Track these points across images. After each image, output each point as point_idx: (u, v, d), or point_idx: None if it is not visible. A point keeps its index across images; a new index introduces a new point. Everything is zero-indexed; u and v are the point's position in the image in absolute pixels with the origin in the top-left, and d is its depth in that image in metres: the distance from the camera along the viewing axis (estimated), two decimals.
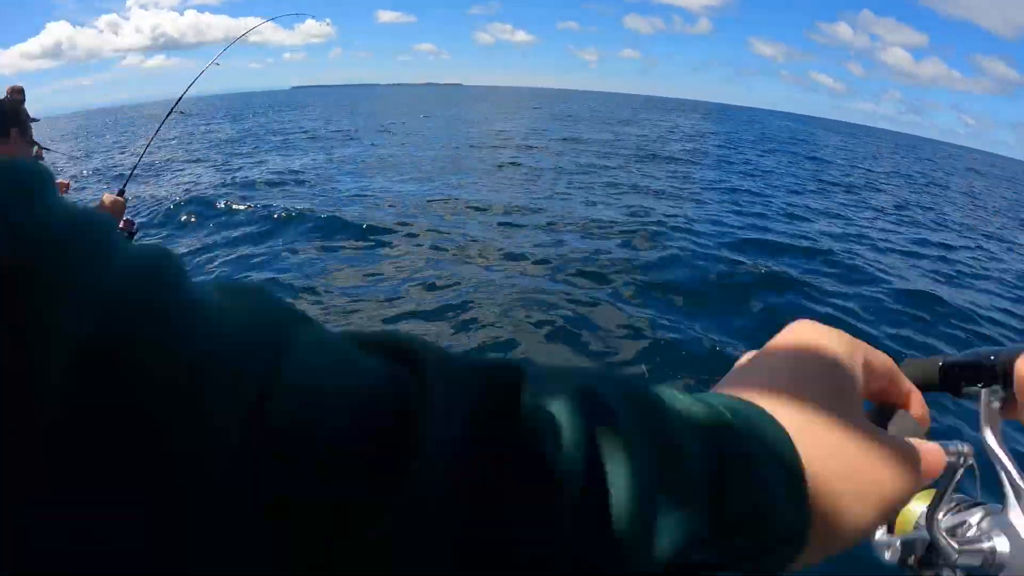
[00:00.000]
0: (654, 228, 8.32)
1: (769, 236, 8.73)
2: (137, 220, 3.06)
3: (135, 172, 3.11)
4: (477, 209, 9.51)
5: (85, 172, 15.54)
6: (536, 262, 6.76)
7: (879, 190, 17.76)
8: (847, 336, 0.38)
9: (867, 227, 10.83)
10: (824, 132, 64.69)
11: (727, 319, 5.45)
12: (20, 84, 7.11)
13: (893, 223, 11.87)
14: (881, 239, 9.83)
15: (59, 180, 3.26)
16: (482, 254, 7.07)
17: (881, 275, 7.35)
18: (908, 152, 49.85)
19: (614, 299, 5.68)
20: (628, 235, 7.96)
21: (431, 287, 5.91)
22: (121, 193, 2.45)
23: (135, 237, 2.45)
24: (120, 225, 2.34)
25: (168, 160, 15.99)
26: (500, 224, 8.54)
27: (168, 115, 3.66)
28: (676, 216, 9.42)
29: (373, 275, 6.39)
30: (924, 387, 0.44)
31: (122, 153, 20.22)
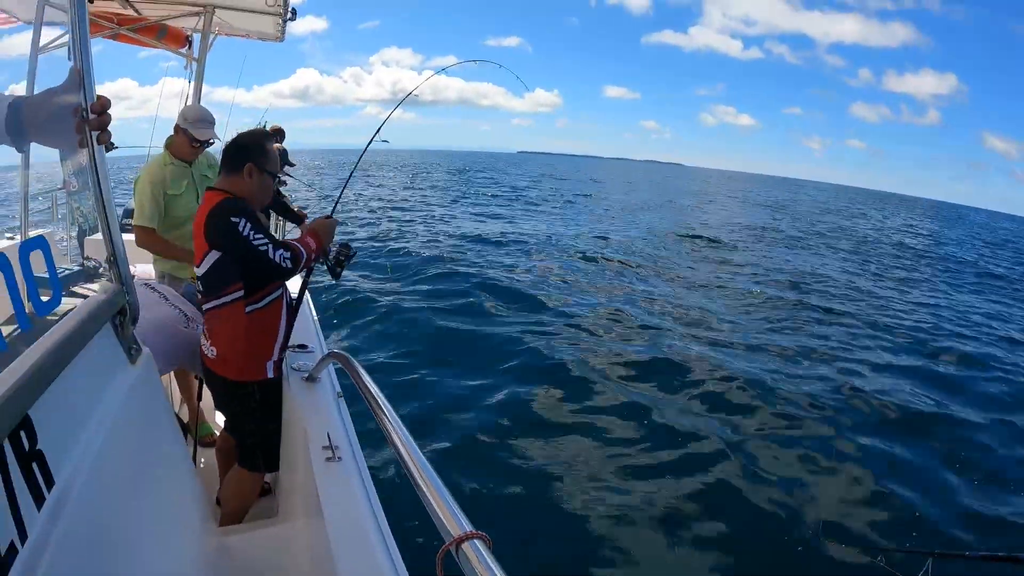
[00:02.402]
0: None
1: None
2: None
3: (340, 199, 3.37)
4: None
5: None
6: None
7: None
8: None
9: None
10: None
11: None
12: (280, 125, 7.27)
13: None
14: None
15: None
16: None
17: None
18: None
19: None
20: None
21: None
22: (328, 217, 2.55)
23: (351, 257, 2.58)
24: (333, 248, 2.52)
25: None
26: None
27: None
28: None
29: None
30: None
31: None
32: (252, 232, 2.06)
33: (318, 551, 1.69)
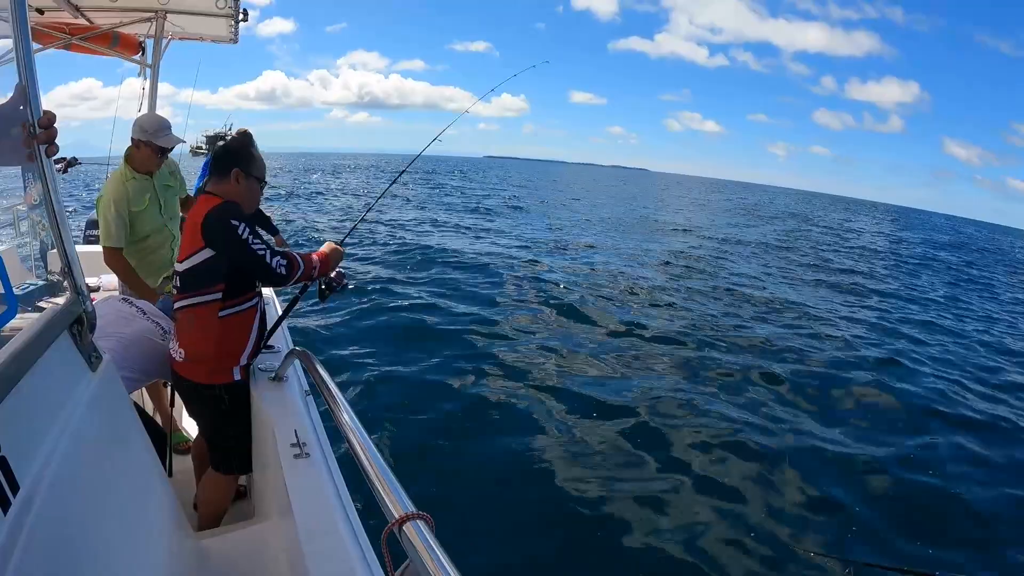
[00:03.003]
0: None
1: None
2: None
3: (356, 227, 3.50)
4: None
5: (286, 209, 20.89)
6: None
7: None
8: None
9: None
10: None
11: None
12: (248, 129, 7.11)
13: None
14: None
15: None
16: None
17: None
18: None
19: None
20: None
21: None
22: (342, 243, 2.62)
23: (343, 287, 2.63)
24: (332, 274, 2.56)
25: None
26: None
27: (393, 181, 4.26)
28: None
29: None
30: None
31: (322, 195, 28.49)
32: (251, 237, 2.13)
33: (292, 549, 1.72)
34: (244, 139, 2.38)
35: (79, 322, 1.36)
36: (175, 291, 2.30)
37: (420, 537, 0.98)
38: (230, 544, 2.07)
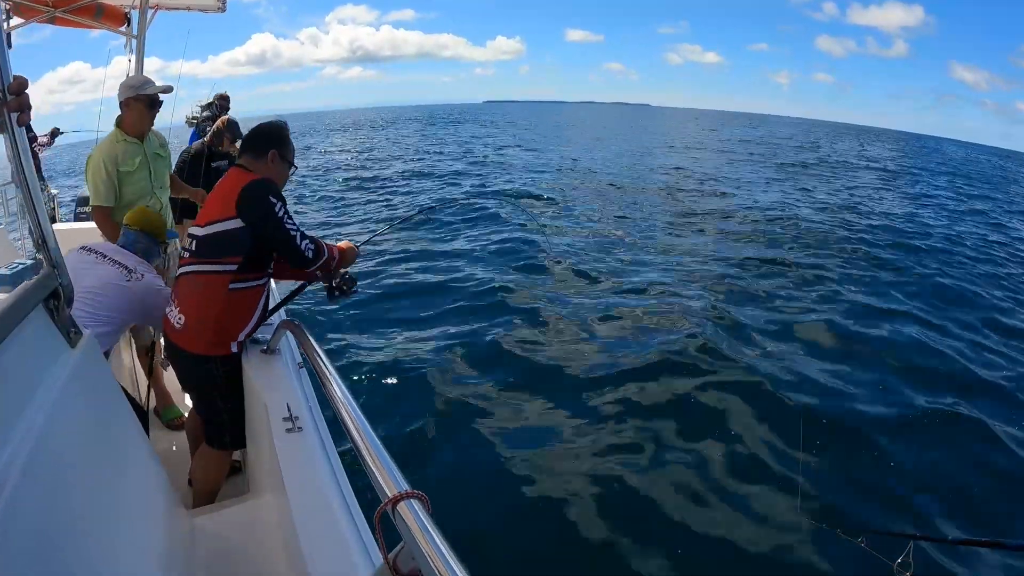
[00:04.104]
0: None
1: None
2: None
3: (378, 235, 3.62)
4: None
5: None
6: None
7: None
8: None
9: None
10: None
11: None
12: (226, 92, 7.05)
13: None
14: None
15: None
16: None
17: None
18: None
19: None
20: None
21: None
22: (358, 245, 2.66)
23: (353, 289, 2.63)
24: (345, 274, 2.61)
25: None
26: None
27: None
28: None
29: None
30: None
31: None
32: (285, 215, 2.20)
33: (286, 525, 1.70)
34: (280, 124, 2.46)
35: (55, 296, 1.31)
36: (184, 253, 2.30)
37: (415, 517, 0.95)
38: (224, 521, 2.05)
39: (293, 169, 2.48)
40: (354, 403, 1.34)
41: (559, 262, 9.50)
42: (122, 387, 2.00)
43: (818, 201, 17.92)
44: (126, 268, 2.58)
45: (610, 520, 3.73)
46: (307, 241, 2.25)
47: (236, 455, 2.70)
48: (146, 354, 3.23)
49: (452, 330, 6.62)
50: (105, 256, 2.62)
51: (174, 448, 3.15)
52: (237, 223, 2.15)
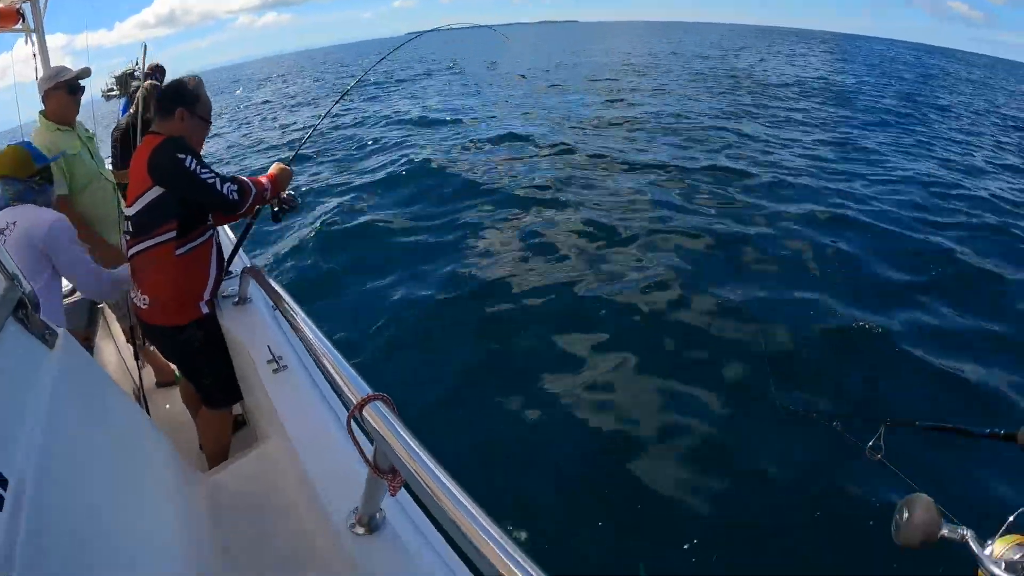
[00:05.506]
0: None
1: None
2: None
3: (303, 146, 3.29)
4: None
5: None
6: None
7: None
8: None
9: None
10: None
11: None
12: (159, 63, 6.69)
13: None
14: None
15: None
16: None
17: None
18: None
19: None
20: None
21: None
22: (289, 163, 2.61)
23: (294, 207, 2.62)
24: (283, 195, 2.57)
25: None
26: None
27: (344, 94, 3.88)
28: None
29: None
30: None
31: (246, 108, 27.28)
32: (198, 167, 2.13)
33: (294, 463, 1.77)
34: (187, 80, 2.33)
35: (21, 306, 1.33)
36: (126, 237, 2.28)
37: (381, 418, 0.99)
38: (239, 474, 2.12)
39: (208, 125, 2.38)
40: (314, 326, 1.40)
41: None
42: (124, 365, 1.98)
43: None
44: None
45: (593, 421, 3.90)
46: (228, 184, 2.20)
47: (238, 409, 2.79)
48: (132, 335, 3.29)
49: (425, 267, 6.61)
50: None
51: (179, 419, 3.24)
52: (158, 190, 2.13)
